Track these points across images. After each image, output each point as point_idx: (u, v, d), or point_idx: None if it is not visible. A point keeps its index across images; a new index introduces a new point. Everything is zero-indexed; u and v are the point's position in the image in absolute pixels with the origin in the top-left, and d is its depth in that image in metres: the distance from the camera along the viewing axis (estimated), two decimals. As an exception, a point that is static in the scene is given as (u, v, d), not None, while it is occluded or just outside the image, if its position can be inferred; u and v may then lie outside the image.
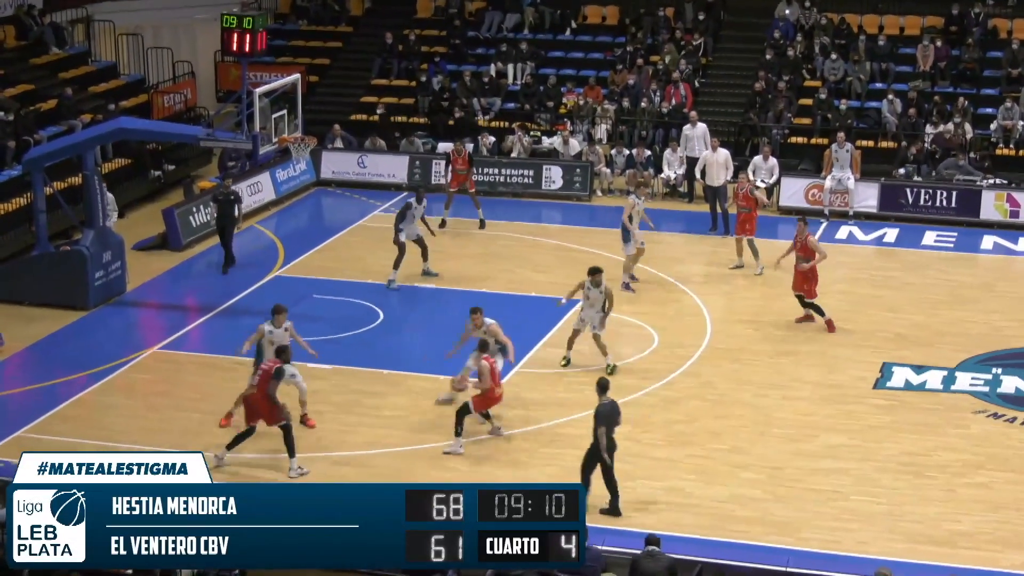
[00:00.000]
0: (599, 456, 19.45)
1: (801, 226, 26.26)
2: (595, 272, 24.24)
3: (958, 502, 20.11)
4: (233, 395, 23.61)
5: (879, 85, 37.68)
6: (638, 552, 16.58)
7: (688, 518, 19.54)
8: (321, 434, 22.17)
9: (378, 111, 38.59)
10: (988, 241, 32.03)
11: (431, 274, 28.86)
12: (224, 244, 29.98)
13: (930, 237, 32.28)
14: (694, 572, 17.25)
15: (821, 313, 26.21)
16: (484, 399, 21.53)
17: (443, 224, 32.08)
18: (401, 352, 25.43)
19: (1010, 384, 24.07)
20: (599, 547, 16.50)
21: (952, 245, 31.85)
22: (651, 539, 16.64)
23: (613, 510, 19.45)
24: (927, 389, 23.95)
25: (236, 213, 30.05)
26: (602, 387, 19.77)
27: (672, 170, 34.91)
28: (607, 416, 19.51)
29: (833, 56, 37.99)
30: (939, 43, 37.79)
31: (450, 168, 33.06)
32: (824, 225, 32.94)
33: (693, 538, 18.82)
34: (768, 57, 38.31)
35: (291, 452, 20.62)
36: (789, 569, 17.80)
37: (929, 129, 35.47)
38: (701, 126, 34.44)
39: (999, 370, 24.58)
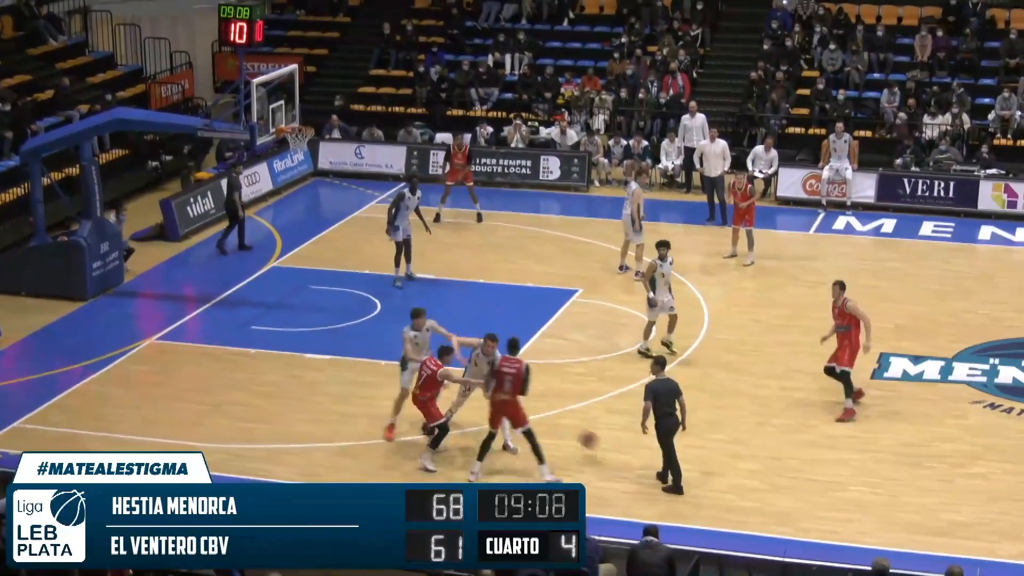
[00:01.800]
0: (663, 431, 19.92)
1: (837, 291, 22.66)
2: (664, 245, 24.33)
3: (956, 492, 20.13)
4: (230, 384, 23.70)
5: (877, 75, 37.66)
6: (636, 542, 16.60)
7: (686, 508, 19.56)
8: (318, 424, 22.18)
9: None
10: (986, 231, 32.03)
11: (412, 278, 28.40)
12: (242, 226, 30.83)
13: (928, 227, 32.27)
14: (692, 562, 17.24)
15: (849, 388, 22.48)
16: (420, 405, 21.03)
17: (438, 218, 31.90)
18: (398, 343, 25.35)
19: (1008, 374, 24.08)
20: (597, 537, 16.51)
21: (950, 235, 31.85)
22: (649, 529, 16.64)
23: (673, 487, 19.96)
24: (925, 379, 23.96)
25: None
26: (659, 364, 20.36)
27: (670, 160, 34.89)
28: (655, 392, 19.92)
29: (831, 46, 37.97)
30: (940, 32, 37.75)
31: (449, 162, 32.97)
32: (822, 215, 32.96)
33: (691, 528, 18.85)
34: (766, 47, 38.28)
35: (480, 456, 20.47)
36: (787, 559, 17.82)
37: (927, 119, 35.49)
38: (700, 116, 34.41)
39: (997, 360, 24.59)
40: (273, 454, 21.18)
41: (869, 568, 16.23)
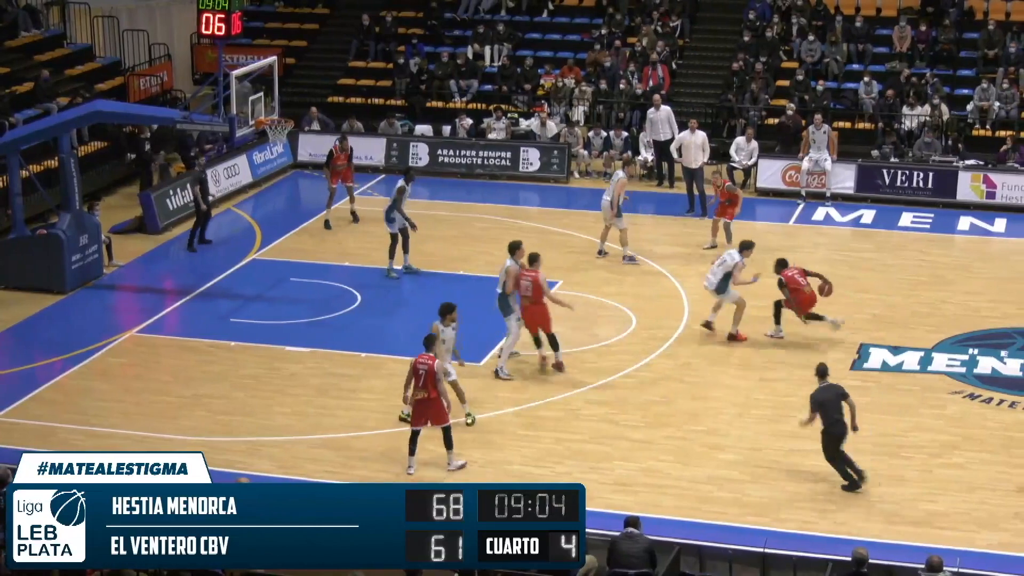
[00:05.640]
0: (830, 440, 19.71)
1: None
2: (448, 311, 21.72)
3: (934, 482, 20.18)
4: (209, 377, 23.65)
5: (856, 66, 37.72)
6: (617, 534, 16.63)
7: (666, 499, 19.60)
8: (298, 417, 22.17)
9: None
10: (964, 222, 32.08)
11: (410, 270, 28.27)
12: (204, 223, 30.48)
13: (907, 218, 32.32)
14: (672, 553, 17.29)
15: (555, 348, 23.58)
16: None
17: (327, 224, 31.48)
18: (378, 335, 25.42)
19: (986, 365, 24.14)
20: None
21: (929, 226, 31.90)
22: (631, 520, 16.69)
23: (852, 485, 19.82)
24: (904, 370, 24.01)
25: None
26: (820, 373, 20.06)
27: (649, 152, 34.89)
28: (820, 402, 19.69)
29: (810, 37, 38.01)
30: (923, 27, 37.78)
31: (329, 165, 31.69)
32: (801, 206, 32.98)
33: (671, 519, 18.88)
34: (745, 38, 38.30)
35: None
36: (766, 550, 17.89)
37: (906, 110, 35.56)
38: (665, 109, 34.19)
39: (975, 351, 24.65)
40: (252, 447, 21.16)
41: (848, 558, 16.29)
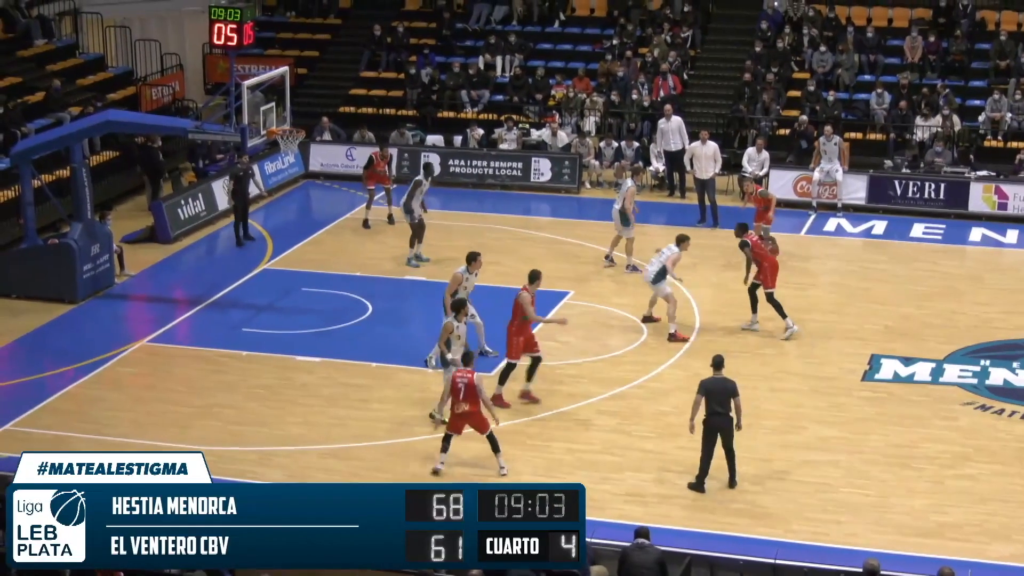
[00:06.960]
0: (707, 432, 19.96)
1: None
2: (461, 306, 22.09)
3: (946, 494, 20.15)
4: (220, 387, 23.65)
5: (867, 77, 37.70)
6: (627, 544, 16.61)
7: (677, 510, 19.57)
8: (309, 427, 22.17)
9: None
10: (976, 233, 32.06)
11: (420, 258, 29.23)
12: (243, 220, 31.13)
13: (918, 229, 32.30)
14: (683, 564, 17.28)
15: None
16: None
17: (366, 224, 32.33)
18: (390, 345, 25.41)
19: (998, 376, 24.10)
20: (588, 539, 16.50)
21: (940, 237, 31.88)
22: (641, 531, 16.66)
23: (696, 485, 20.09)
24: (915, 381, 23.98)
25: (249, 187, 31.25)
26: (714, 364, 20.34)
27: (660, 162, 34.90)
28: (707, 390, 19.97)
29: (821, 48, 38.00)
30: (932, 38, 37.76)
31: (371, 168, 32.30)
32: (812, 217, 32.97)
33: (682, 530, 18.86)
34: (757, 49, 38.30)
35: None
36: (777, 561, 17.85)
37: (919, 121, 35.53)
38: (676, 119, 34.24)
39: (987, 362, 24.61)
40: (263, 456, 21.16)
41: (859, 569, 16.25)
